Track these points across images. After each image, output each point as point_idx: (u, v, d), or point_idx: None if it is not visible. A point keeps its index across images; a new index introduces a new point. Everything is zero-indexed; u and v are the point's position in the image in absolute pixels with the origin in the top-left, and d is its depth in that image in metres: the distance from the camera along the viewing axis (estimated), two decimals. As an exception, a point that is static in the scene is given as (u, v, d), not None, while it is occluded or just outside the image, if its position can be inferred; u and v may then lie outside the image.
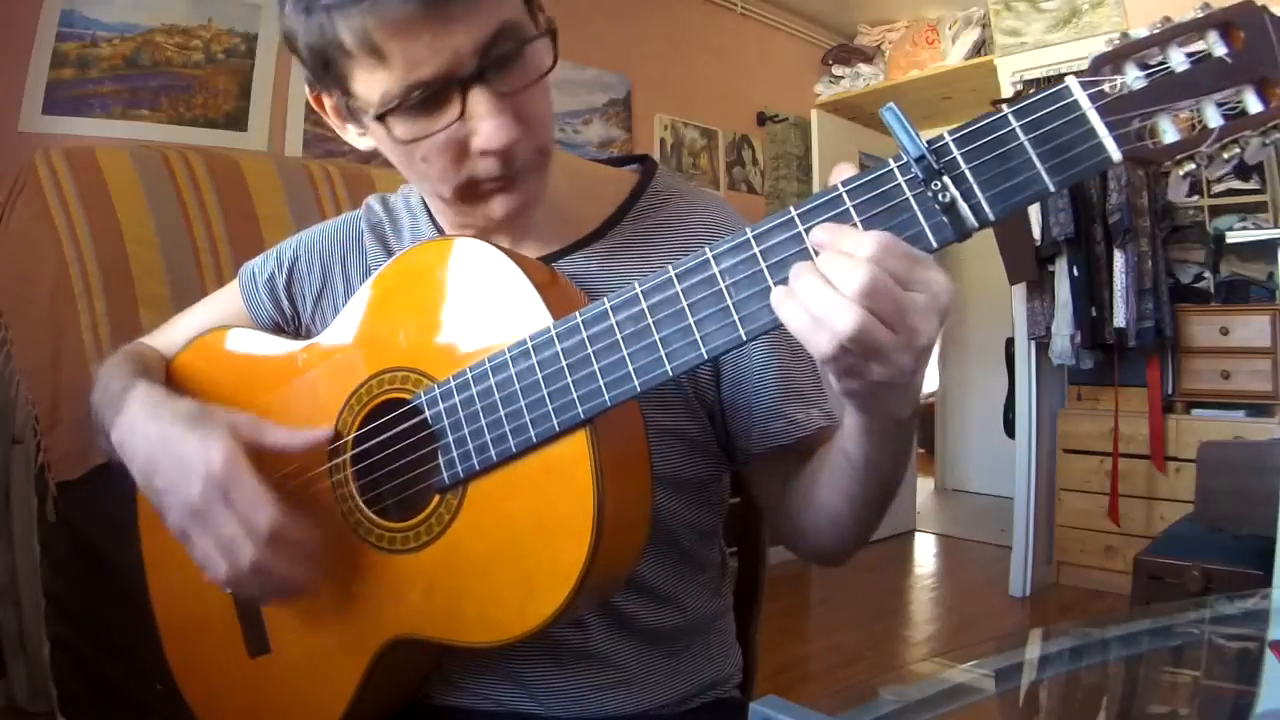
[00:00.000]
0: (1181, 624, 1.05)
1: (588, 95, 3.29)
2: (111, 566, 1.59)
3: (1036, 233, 3.12)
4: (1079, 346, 3.13)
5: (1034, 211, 3.12)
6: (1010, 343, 3.63)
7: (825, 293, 0.50)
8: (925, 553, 4.16)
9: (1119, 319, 3.06)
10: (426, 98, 0.63)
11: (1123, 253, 3.07)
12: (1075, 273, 3.08)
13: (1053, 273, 3.18)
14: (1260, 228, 3.14)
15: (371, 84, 0.63)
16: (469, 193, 0.70)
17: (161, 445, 0.70)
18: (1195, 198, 3.34)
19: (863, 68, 4.09)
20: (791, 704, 0.56)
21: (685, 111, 3.64)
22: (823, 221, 0.52)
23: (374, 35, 0.60)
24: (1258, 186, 3.21)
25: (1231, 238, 3.02)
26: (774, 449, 0.76)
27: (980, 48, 3.66)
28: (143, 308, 1.84)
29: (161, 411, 0.72)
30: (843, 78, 4.13)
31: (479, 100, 0.64)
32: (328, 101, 0.73)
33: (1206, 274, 3.26)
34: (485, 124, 0.64)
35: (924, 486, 5.04)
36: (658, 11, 3.54)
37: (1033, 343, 3.30)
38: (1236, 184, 3.25)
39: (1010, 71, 3.28)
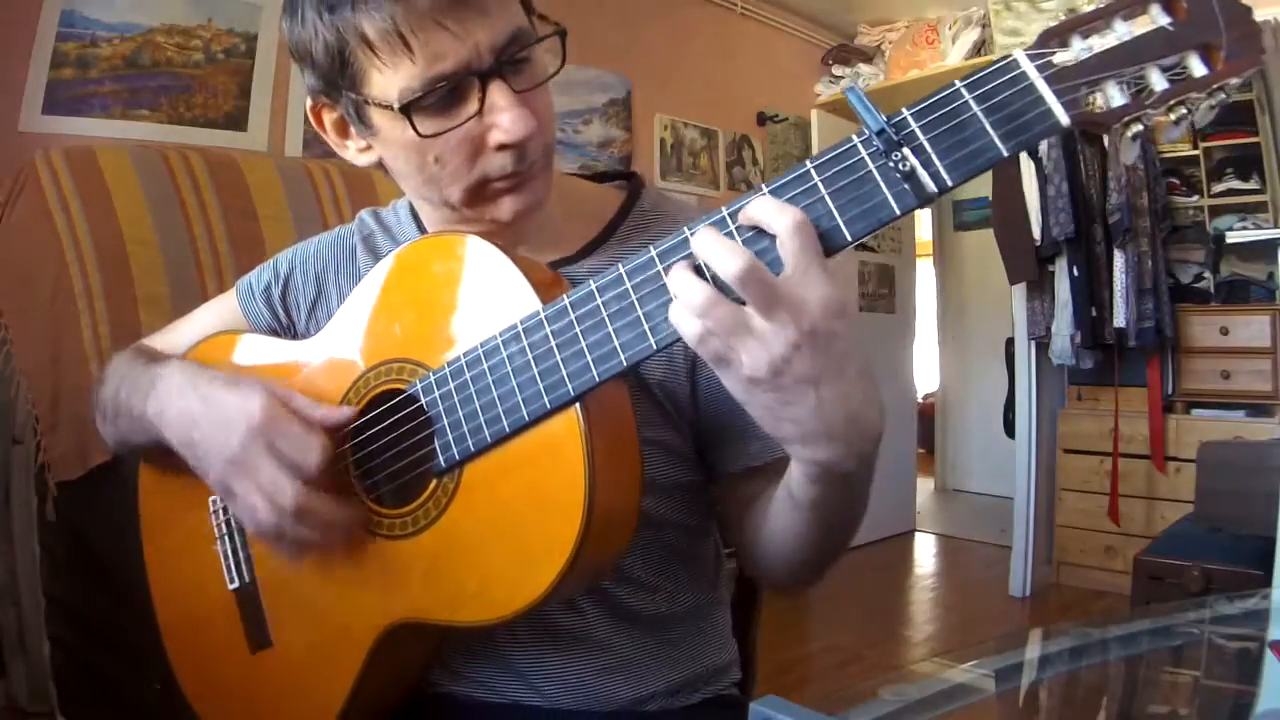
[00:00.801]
0: (1181, 624, 1.05)
1: (588, 95, 3.29)
2: (111, 566, 1.59)
3: (1036, 233, 3.12)
4: (1079, 346, 3.13)
5: (1034, 211, 3.12)
6: (1010, 343, 3.63)
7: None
8: (925, 553, 4.16)
9: (1119, 319, 3.06)
10: (447, 92, 0.66)
11: (1123, 253, 3.07)
12: (1075, 273, 3.08)
13: (1053, 273, 3.18)
14: (1260, 228, 3.14)
15: (391, 80, 0.65)
16: (478, 195, 0.71)
17: (201, 406, 0.72)
18: (1195, 198, 3.34)
19: (863, 68, 4.10)
20: (791, 704, 0.56)
21: (685, 111, 3.64)
22: (794, 195, 0.55)
23: (400, 26, 0.63)
24: (1258, 186, 3.21)
25: (1231, 238, 3.02)
26: (750, 469, 0.76)
27: (980, 48, 3.67)
28: (143, 308, 1.84)
29: (199, 378, 0.74)
30: (843, 78, 4.13)
31: (498, 93, 0.66)
32: (329, 116, 0.75)
33: (1206, 274, 3.26)
34: (505, 116, 0.67)
35: (924, 486, 5.04)
36: (658, 12, 3.54)
37: (1033, 343, 3.30)
38: (1236, 184, 3.26)
39: (1010, 71, 3.27)
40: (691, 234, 0.56)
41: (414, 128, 0.66)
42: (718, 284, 0.54)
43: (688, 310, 0.53)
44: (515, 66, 0.68)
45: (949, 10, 3.82)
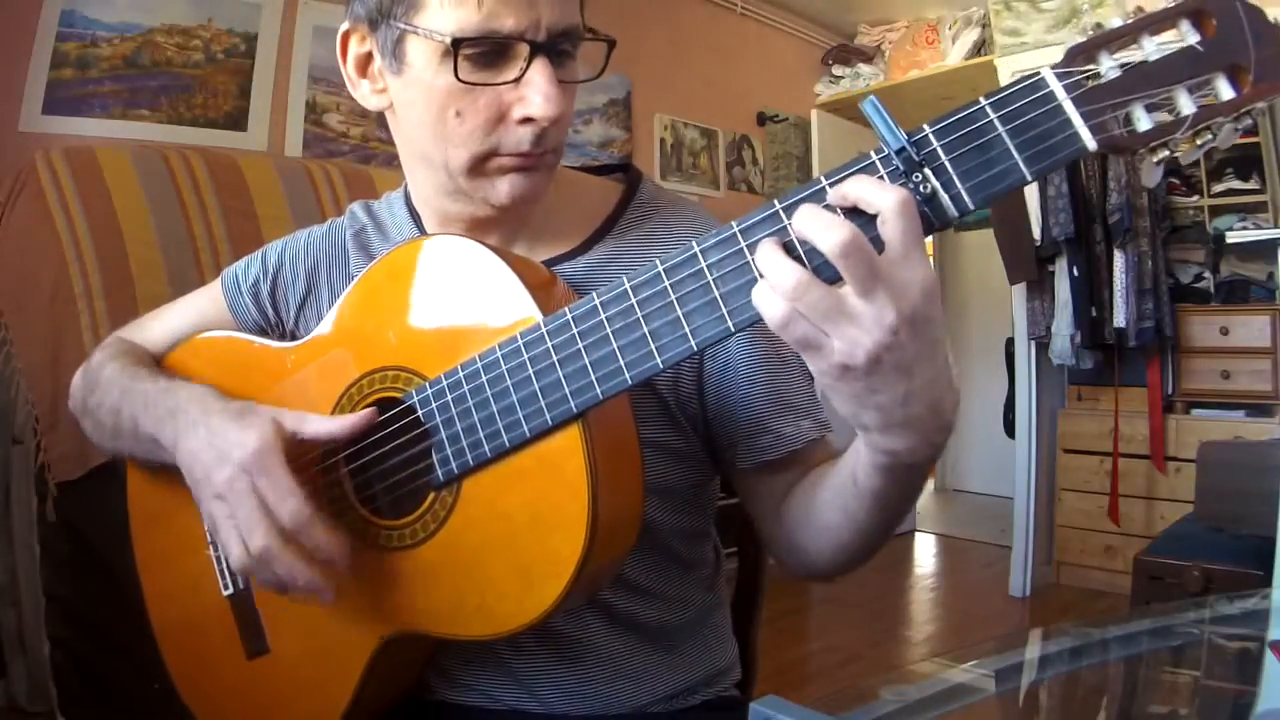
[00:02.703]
0: (1181, 624, 1.05)
1: (588, 95, 3.28)
2: (111, 566, 1.59)
3: (1036, 233, 3.12)
4: (1079, 346, 3.13)
5: (1034, 211, 3.12)
6: (1010, 343, 3.63)
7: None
8: (925, 553, 4.16)
9: (1119, 319, 3.06)
10: (495, 50, 0.66)
11: (1123, 253, 3.07)
12: (1075, 273, 3.08)
13: (1053, 273, 3.18)
14: (1260, 228, 3.14)
15: (448, 17, 0.66)
16: (481, 167, 0.71)
17: (207, 439, 0.69)
18: (1195, 198, 3.34)
19: (863, 68, 4.09)
20: (791, 704, 0.56)
21: (685, 111, 3.64)
22: None
23: None
24: (1258, 186, 3.21)
25: (1231, 238, 3.02)
26: (763, 464, 0.75)
27: (980, 48, 3.66)
28: (143, 308, 1.82)
29: (212, 411, 0.71)
30: (843, 78, 4.13)
31: (540, 70, 0.67)
32: (358, 49, 0.74)
33: (1206, 274, 3.26)
34: (539, 92, 0.67)
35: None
36: (658, 12, 3.54)
37: (1033, 343, 3.30)
38: (1236, 184, 3.25)
39: (1010, 71, 3.28)
40: (784, 209, 0.53)
41: (456, 68, 0.66)
42: (809, 264, 0.51)
43: (775, 291, 0.50)
44: (560, 57, 0.69)
45: (949, 10, 3.81)
